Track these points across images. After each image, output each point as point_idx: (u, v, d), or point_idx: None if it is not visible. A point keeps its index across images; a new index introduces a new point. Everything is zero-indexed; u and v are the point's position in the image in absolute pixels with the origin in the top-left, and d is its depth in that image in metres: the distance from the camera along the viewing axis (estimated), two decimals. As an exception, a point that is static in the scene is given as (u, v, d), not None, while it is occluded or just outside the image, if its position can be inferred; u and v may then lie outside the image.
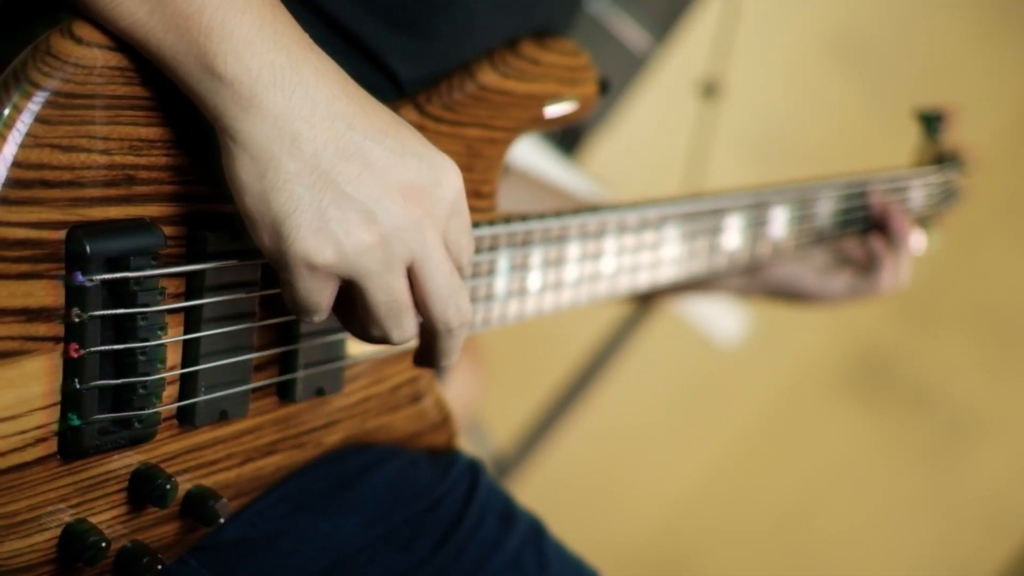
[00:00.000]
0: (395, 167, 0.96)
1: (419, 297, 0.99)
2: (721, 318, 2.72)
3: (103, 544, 0.99)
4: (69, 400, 0.95)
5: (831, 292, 1.82)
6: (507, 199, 1.67)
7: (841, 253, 1.83)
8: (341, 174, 0.93)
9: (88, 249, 0.92)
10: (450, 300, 1.00)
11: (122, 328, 0.97)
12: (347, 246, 0.94)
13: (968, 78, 3.27)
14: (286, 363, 1.14)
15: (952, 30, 3.27)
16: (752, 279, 1.82)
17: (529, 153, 2.54)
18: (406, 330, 1.00)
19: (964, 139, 1.95)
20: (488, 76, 1.24)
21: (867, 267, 1.80)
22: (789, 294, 1.84)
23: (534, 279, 1.34)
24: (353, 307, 0.99)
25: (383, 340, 1.00)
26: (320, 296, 0.96)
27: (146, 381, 0.99)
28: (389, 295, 0.97)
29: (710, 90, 2.27)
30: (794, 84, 3.34)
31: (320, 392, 1.17)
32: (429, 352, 1.05)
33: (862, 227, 1.81)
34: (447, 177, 0.99)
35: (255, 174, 0.93)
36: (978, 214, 2.39)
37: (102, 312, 0.95)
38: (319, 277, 0.95)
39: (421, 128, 1.18)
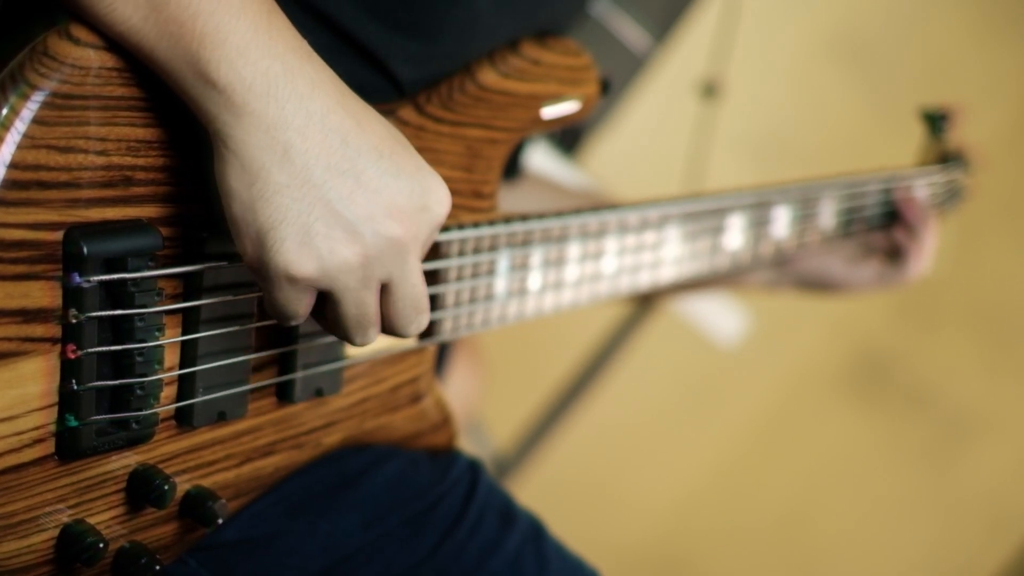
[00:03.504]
0: (387, 188, 0.95)
1: (385, 311, 1.01)
2: (721, 318, 2.72)
3: (101, 545, 0.99)
4: (67, 401, 0.95)
5: (860, 281, 1.86)
6: (524, 202, 1.68)
7: (867, 243, 1.86)
8: (332, 190, 0.93)
9: (85, 250, 0.92)
10: (413, 318, 1.03)
11: (120, 329, 0.97)
12: (329, 263, 0.94)
13: (968, 78, 3.26)
14: (285, 364, 1.14)
15: (952, 30, 3.26)
16: (781, 272, 1.86)
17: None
18: (369, 339, 1.02)
19: (969, 138, 1.95)
20: (489, 76, 1.24)
21: (892, 256, 1.84)
22: (819, 285, 1.88)
23: (534, 279, 1.33)
24: (323, 309, 1.00)
25: (345, 340, 1.03)
26: (297, 305, 0.97)
27: (144, 382, 0.99)
28: (360, 310, 0.99)
29: (710, 90, 2.26)
30: (794, 84, 3.33)
31: (319, 393, 1.17)
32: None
33: (878, 223, 1.83)
34: (436, 200, 0.99)
35: (245, 182, 0.93)
36: (978, 214, 2.39)
37: (99, 313, 0.95)
38: (298, 289, 0.96)
39: (421, 129, 1.18)
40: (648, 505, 3.60)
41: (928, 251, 1.83)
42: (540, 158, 2.45)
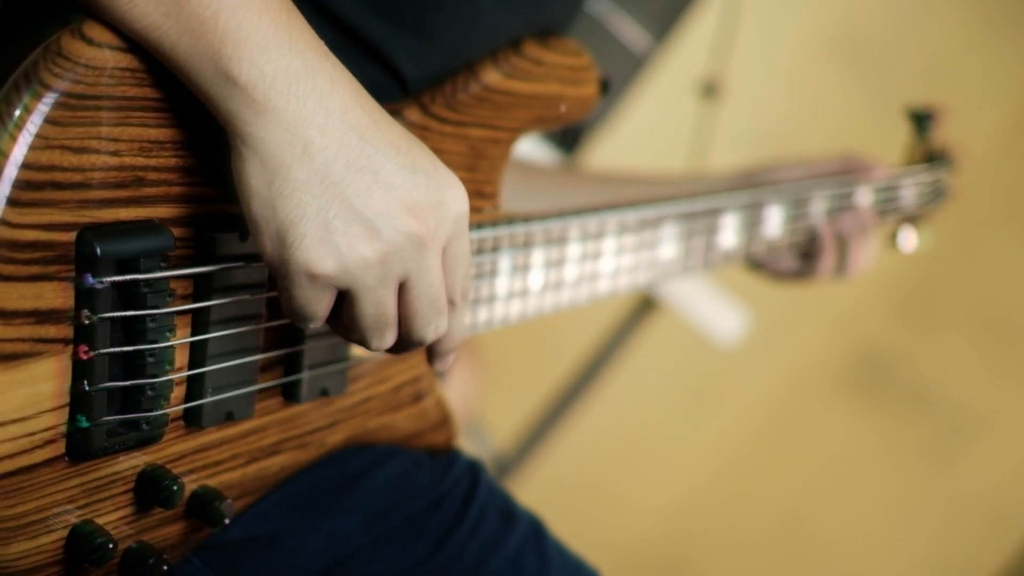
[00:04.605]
0: (404, 184, 0.96)
1: (403, 312, 1.01)
2: (721, 318, 2.72)
3: (110, 545, 0.99)
4: (78, 402, 0.95)
5: (777, 269, 1.79)
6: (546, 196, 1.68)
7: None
8: (350, 186, 0.93)
9: (98, 251, 0.92)
10: (431, 321, 1.02)
11: (131, 330, 0.97)
12: (348, 259, 0.94)
13: (968, 78, 3.27)
14: (291, 364, 1.14)
15: (952, 30, 3.27)
16: None
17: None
18: (386, 342, 1.01)
19: (954, 138, 1.95)
20: (492, 76, 1.24)
21: (809, 253, 1.79)
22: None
23: (535, 279, 1.34)
24: (340, 311, 1.00)
25: (361, 344, 1.02)
26: (317, 305, 0.97)
27: (154, 383, 0.99)
28: (377, 309, 0.98)
29: (710, 90, 2.27)
30: (794, 84, 3.34)
31: (324, 392, 1.17)
32: (401, 351, 1.06)
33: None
34: (453, 197, 0.99)
35: (264, 179, 0.93)
36: (977, 213, 2.40)
37: (112, 314, 0.95)
38: (317, 287, 0.96)
39: (425, 128, 1.19)
40: (648, 505, 3.61)
41: (850, 263, 1.78)
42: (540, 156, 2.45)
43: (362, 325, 0.99)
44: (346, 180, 0.93)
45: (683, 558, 3.61)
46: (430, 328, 1.02)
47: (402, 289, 0.99)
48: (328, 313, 0.99)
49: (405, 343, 1.03)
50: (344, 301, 0.99)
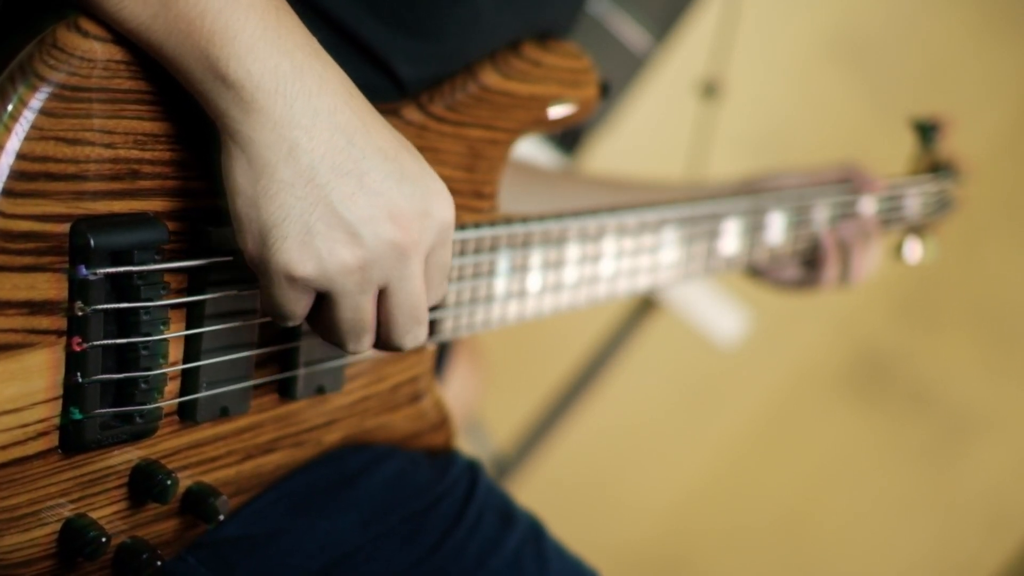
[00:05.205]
0: (389, 191, 0.96)
1: (382, 319, 1.01)
2: (721, 318, 2.72)
3: (103, 539, 0.99)
4: (71, 394, 0.95)
5: (779, 278, 1.79)
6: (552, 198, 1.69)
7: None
8: (335, 191, 0.93)
9: (92, 243, 0.92)
10: (409, 328, 1.02)
11: (125, 322, 0.97)
12: (328, 264, 0.94)
13: (968, 78, 3.27)
14: (287, 360, 1.14)
15: (952, 30, 3.27)
16: None
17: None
18: (362, 346, 1.02)
19: (959, 148, 1.95)
20: (490, 77, 1.24)
21: (812, 262, 1.78)
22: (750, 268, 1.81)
23: (534, 280, 1.34)
24: (319, 313, 1.00)
25: (338, 346, 1.02)
26: (295, 306, 0.98)
27: (148, 376, 0.99)
28: (355, 314, 0.99)
29: (710, 90, 2.27)
30: (794, 84, 3.34)
31: (321, 390, 1.17)
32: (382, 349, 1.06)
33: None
34: (439, 206, 0.99)
35: (250, 178, 0.93)
36: (978, 214, 2.39)
37: (105, 306, 0.95)
38: (296, 288, 0.96)
39: (424, 128, 1.19)
40: (648, 505, 3.60)
41: (853, 271, 1.77)
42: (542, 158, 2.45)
43: (339, 328, 1.00)
44: (331, 184, 0.93)
45: (683, 558, 3.60)
46: (408, 336, 1.03)
47: (382, 296, 1.00)
48: (306, 313, 0.99)
49: (383, 348, 1.04)
50: (323, 303, 0.99)
